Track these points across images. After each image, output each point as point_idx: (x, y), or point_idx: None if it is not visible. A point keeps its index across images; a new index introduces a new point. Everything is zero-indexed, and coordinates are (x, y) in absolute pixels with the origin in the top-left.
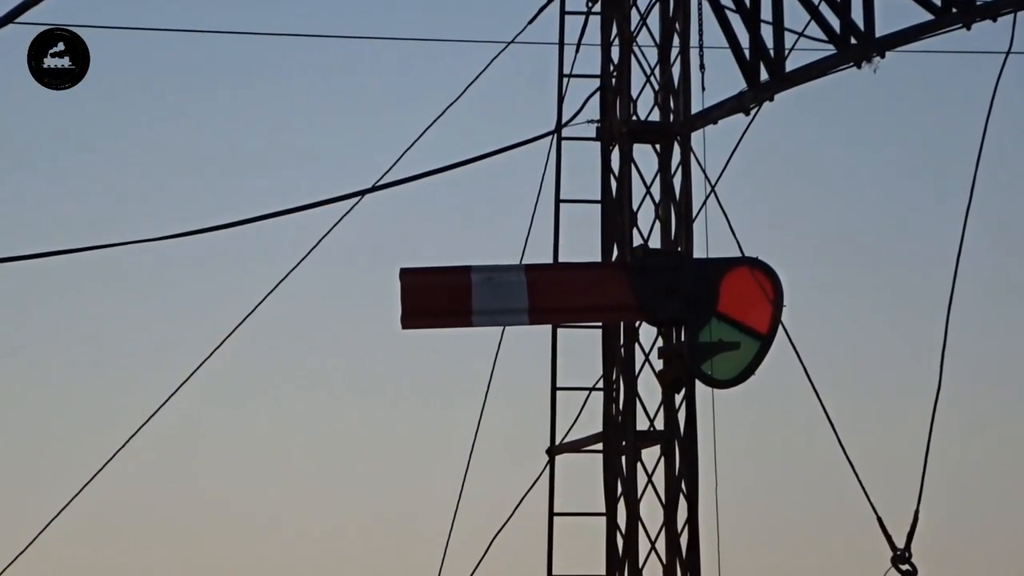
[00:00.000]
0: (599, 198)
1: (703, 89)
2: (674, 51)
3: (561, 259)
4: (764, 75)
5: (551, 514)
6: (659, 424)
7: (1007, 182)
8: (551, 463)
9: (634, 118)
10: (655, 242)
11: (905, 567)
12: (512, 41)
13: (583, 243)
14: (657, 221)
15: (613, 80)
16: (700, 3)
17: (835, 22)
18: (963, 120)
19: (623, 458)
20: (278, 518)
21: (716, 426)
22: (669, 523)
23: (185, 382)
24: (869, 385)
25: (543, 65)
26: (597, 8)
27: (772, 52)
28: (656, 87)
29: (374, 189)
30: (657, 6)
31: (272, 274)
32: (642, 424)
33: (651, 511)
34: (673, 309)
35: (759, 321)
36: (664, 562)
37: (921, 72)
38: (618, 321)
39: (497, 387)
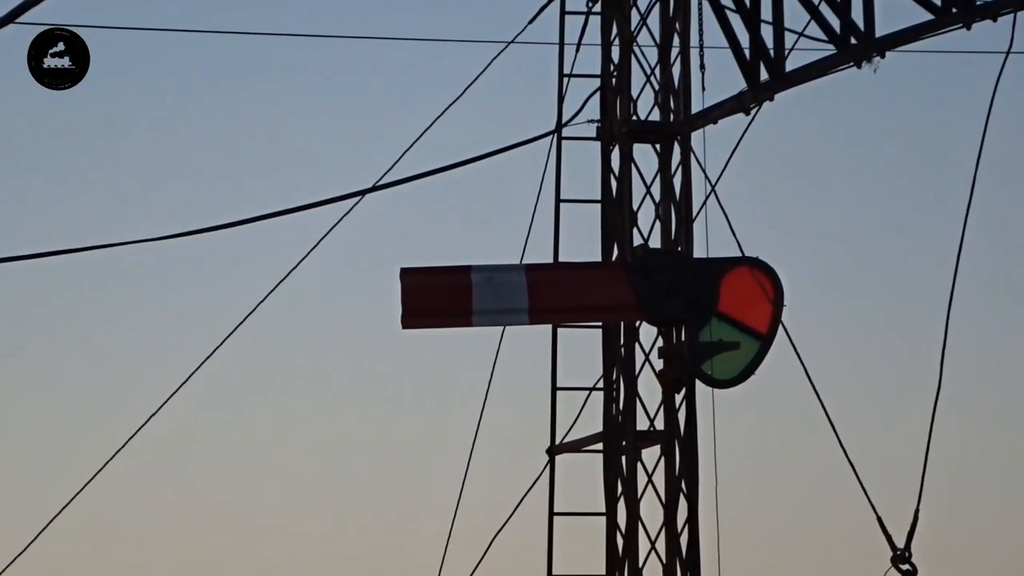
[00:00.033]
0: (599, 198)
1: (703, 89)
2: (674, 51)
3: (561, 259)
4: (764, 75)
5: (551, 514)
6: (659, 424)
7: (1007, 182)
8: (551, 463)
9: (634, 118)
10: (655, 242)
11: (905, 567)
12: (512, 41)
13: (583, 243)
14: (657, 221)
15: (613, 80)
16: (700, 3)
17: (835, 22)
18: (963, 120)
19: (623, 458)
20: (278, 518)
21: (716, 426)
22: (669, 523)
23: (185, 382)
24: (869, 385)
25: (543, 65)
26: (597, 8)
27: (772, 52)
28: (656, 87)
29: (374, 189)
30: (657, 6)
31: (272, 274)
32: (642, 424)
33: (651, 511)
34: (673, 309)
35: (759, 321)
36: (664, 562)
37: (921, 72)
38: (618, 321)
39: (497, 387)
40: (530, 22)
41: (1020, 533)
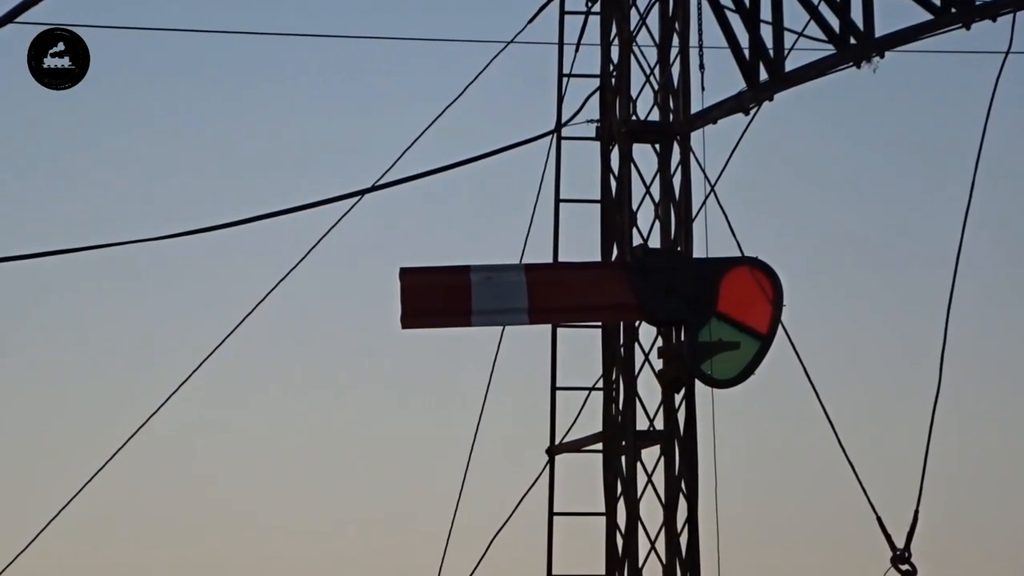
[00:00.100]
0: (599, 198)
1: (702, 89)
2: (674, 51)
3: (561, 259)
4: (763, 75)
5: (551, 514)
6: (659, 424)
7: (1007, 182)
8: (551, 463)
9: (634, 118)
10: (655, 242)
11: (905, 567)
12: (512, 41)
13: (583, 243)
14: (657, 221)
15: (613, 80)
16: (700, 3)
17: (835, 22)
18: (963, 120)
19: (623, 458)
20: (278, 518)
21: (716, 426)
22: (669, 523)
23: (185, 381)
24: (869, 385)
25: (543, 65)
26: (596, 8)
27: (771, 52)
28: (656, 87)
29: (374, 189)
30: (656, 6)
31: (272, 274)
32: (642, 424)
33: (651, 511)
34: (673, 309)
35: (759, 321)
36: (664, 562)
37: (921, 72)
38: (618, 321)
39: (497, 387)
40: (529, 22)
41: (1020, 533)
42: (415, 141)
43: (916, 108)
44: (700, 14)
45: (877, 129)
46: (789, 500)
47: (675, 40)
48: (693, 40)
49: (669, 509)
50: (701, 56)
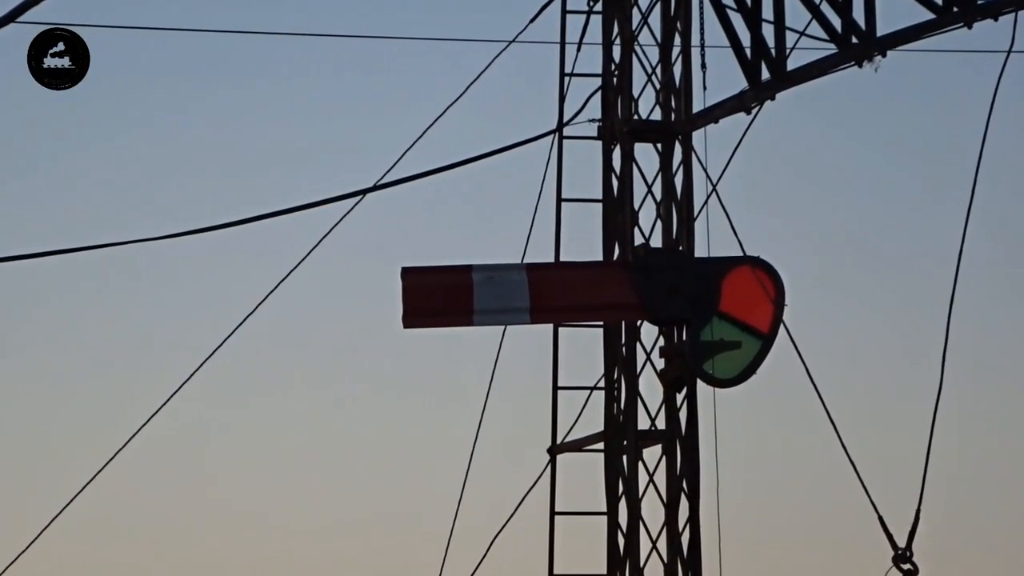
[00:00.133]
0: (600, 197)
1: (704, 88)
2: (675, 50)
3: (562, 258)
4: (765, 74)
5: (552, 513)
6: (660, 423)
7: (1009, 181)
8: (552, 462)
9: (635, 117)
10: (656, 241)
11: (906, 566)
12: (513, 40)
13: (584, 242)
14: (658, 220)
15: (614, 79)
16: (701, 2)
17: (836, 21)
18: (964, 119)
19: (624, 457)
20: (279, 518)
21: (717, 425)
22: (670, 522)
23: (186, 382)
24: (870, 384)
25: (544, 64)
26: (598, 7)
27: (773, 51)
28: (657, 86)
29: (375, 188)
30: (658, 5)
31: (272, 274)
32: (643, 423)
33: (652, 510)
34: (674, 308)
35: (760, 320)
36: (665, 561)
37: (922, 71)
38: (619, 320)
39: (498, 386)
40: (531, 21)
41: (1021, 533)
42: (416, 141)
43: (918, 107)
44: (702, 13)
45: (879, 128)
46: (791, 499)
47: (677, 39)
48: (695, 39)
49: (671, 508)
50: (703, 55)
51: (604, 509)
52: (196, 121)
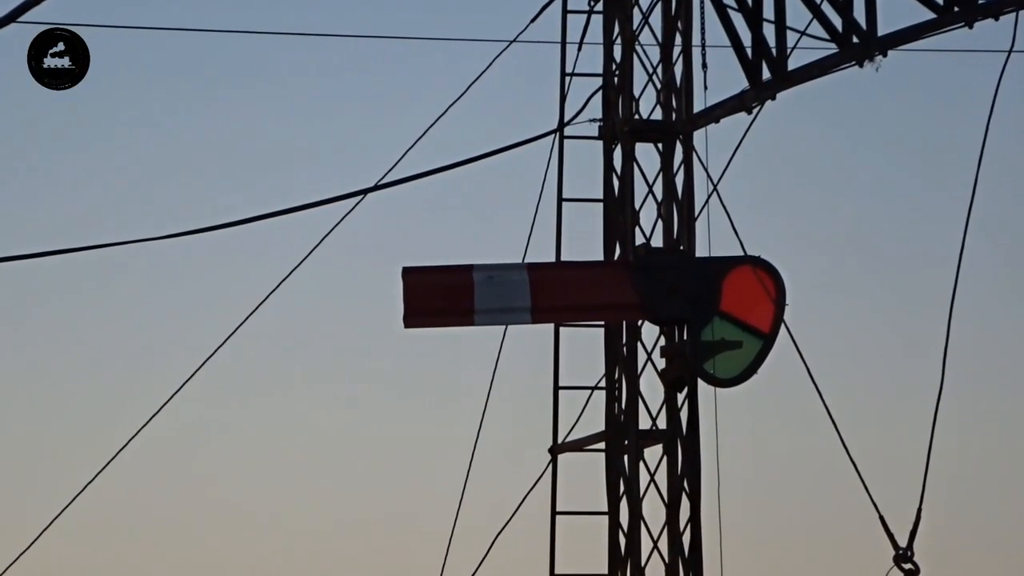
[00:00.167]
0: (601, 197)
1: (705, 88)
2: (676, 50)
3: (563, 258)
4: (766, 74)
5: (553, 513)
6: (661, 423)
7: (1010, 180)
8: (553, 462)
9: (636, 117)
10: (657, 241)
11: (908, 566)
12: (514, 40)
13: (585, 242)
14: (659, 220)
15: (615, 79)
16: (702, 2)
17: (837, 21)
18: (965, 119)
19: (625, 457)
20: (279, 518)
21: (718, 425)
22: (671, 522)
23: (186, 382)
24: (871, 384)
25: (545, 64)
26: (599, 7)
27: (774, 51)
28: (658, 86)
29: (376, 188)
30: (659, 5)
31: (272, 274)
32: (644, 423)
33: (653, 510)
34: (675, 308)
35: (761, 320)
36: (666, 561)
37: (923, 71)
38: (620, 320)
39: (499, 386)
40: (532, 21)
41: (1022, 532)
42: (417, 140)
43: (918, 107)
44: (703, 13)
45: (879, 128)
46: (792, 499)
47: (678, 39)
48: (696, 39)
49: (672, 508)
50: (704, 55)
51: (605, 509)
52: (196, 121)
